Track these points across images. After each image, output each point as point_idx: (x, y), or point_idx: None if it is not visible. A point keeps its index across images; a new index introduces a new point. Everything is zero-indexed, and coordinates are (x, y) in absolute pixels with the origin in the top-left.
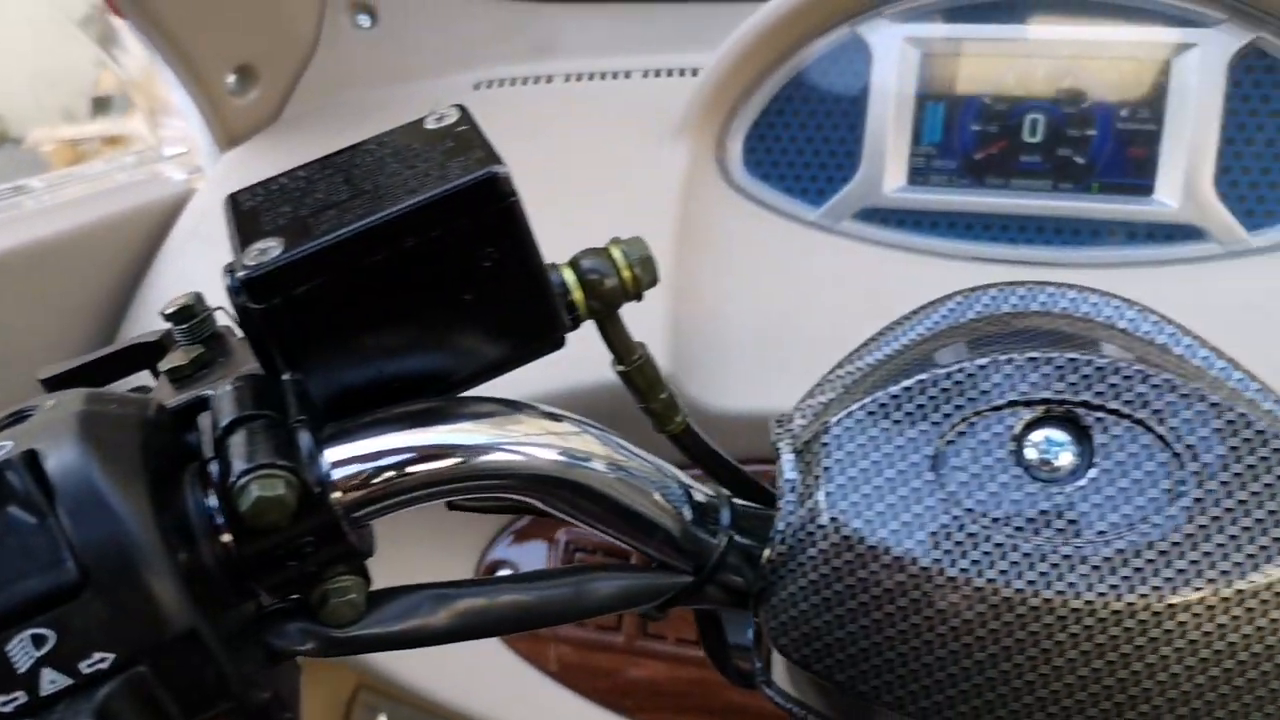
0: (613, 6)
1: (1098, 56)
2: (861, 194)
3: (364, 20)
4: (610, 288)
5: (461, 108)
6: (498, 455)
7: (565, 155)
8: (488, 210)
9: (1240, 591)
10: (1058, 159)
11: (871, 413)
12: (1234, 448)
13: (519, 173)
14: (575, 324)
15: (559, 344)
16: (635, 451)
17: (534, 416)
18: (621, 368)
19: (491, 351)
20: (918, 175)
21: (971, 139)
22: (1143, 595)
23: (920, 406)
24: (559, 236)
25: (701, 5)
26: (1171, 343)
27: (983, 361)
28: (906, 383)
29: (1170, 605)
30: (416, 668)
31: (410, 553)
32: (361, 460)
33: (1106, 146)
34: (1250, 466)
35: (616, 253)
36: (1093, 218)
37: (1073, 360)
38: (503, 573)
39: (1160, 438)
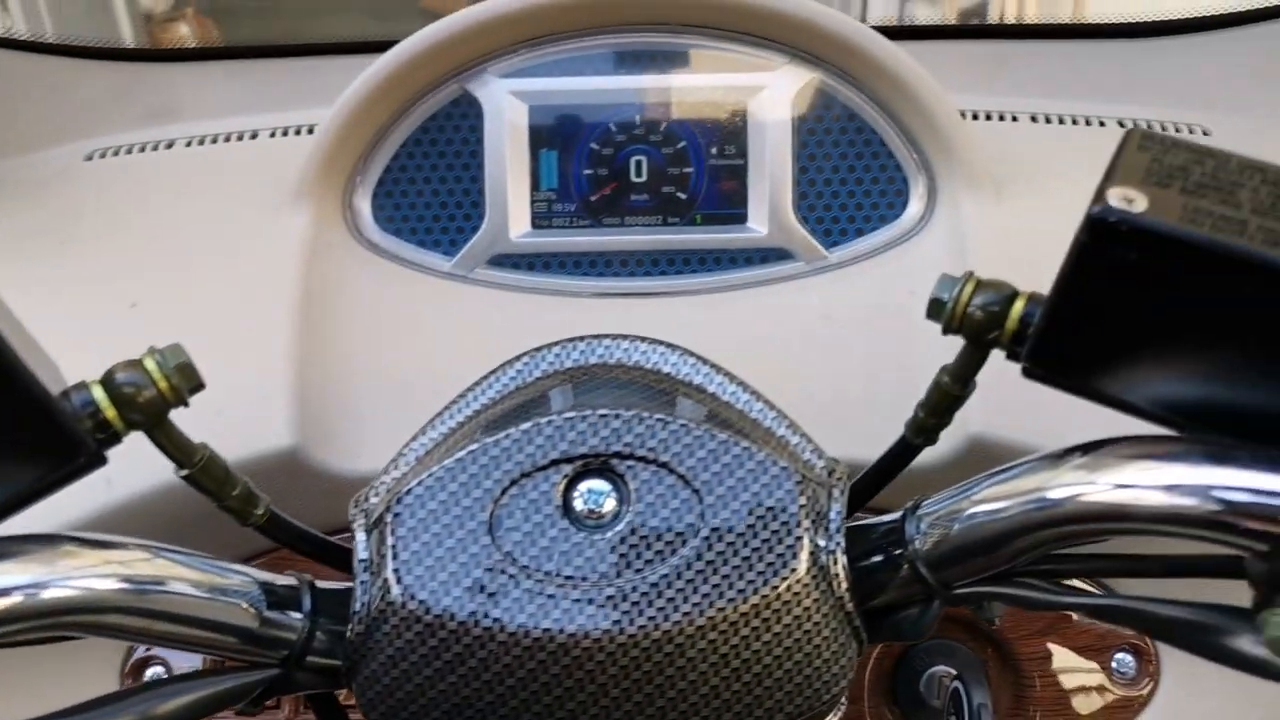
0: (233, 64)
1: (687, 101)
2: (490, 241)
3: None
4: (149, 399)
5: None
6: (54, 592)
7: (183, 225)
8: None
9: (755, 606)
10: (663, 196)
11: (430, 487)
12: (740, 479)
13: (132, 247)
14: (114, 440)
15: (98, 462)
16: (194, 558)
17: (80, 547)
18: (184, 472)
19: (8, 485)
20: (541, 220)
21: (585, 182)
22: (676, 622)
23: (473, 475)
24: (173, 314)
25: (329, 59)
26: (706, 382)
27: (525, 426)
28: (460, 454)
29: (700, 627)
30: None
31: (49, 663)
32: None
33: (703, 182)
34: (755, 494)
35: (150, 363)
36: (698, 248)
37: (604, 416)
38: (154, 669)
39: (681, 477)
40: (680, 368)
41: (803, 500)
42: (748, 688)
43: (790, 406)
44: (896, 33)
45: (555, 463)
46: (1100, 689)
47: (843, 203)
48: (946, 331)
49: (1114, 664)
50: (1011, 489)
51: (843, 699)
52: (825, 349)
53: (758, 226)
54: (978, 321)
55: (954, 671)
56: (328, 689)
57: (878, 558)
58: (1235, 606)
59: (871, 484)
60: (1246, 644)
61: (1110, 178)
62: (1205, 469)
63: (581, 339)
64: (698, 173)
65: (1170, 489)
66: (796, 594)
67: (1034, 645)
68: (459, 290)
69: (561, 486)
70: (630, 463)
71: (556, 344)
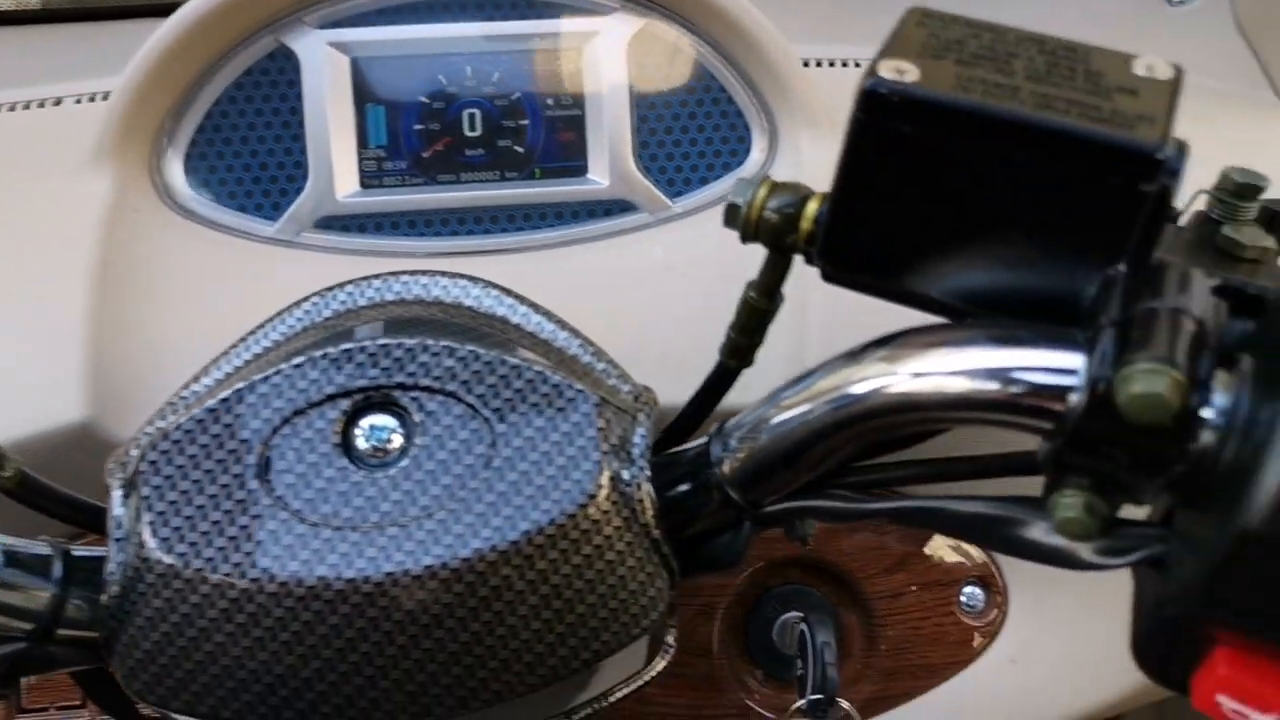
0: (36, 29)
1: (518, 50)
2: (316, 203)
3: None
4: None
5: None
6: None
7: None
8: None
9: (551, 536)
10: (499, 150)
11: (189, 430)
12: (534, 404)
13: None
14: None
15: None
16: None
17: None
18: None
19: None
20: (370, 179)
21: (417, 138)
22: (465, 558)
23: (240, 416)
24: None
25: (147, 22)
26: (509, 313)
27: (298, 361)
28: (225, 394)
29: (492, 562)
30: None
31: None
32: None
33: (540, 134)
34: (549, 419)
35: None
36: (538, 202)
37: (384, 346)
38: None
39: (470, 406)
40: (483, 300)
41: (601, 424)
42: (551, 622)
43: (631, 355)
44: None
45: (331, 398)
46: (951, 622)
47: (684, 151)
48: (745, 239)
49: (962, 597)
50: (812, 393)
51: (669, 640)
52: (668, 298)
53: (598, 178)
54: (774, 225)
55: (803, 615)
56: (88, 664)
57: (686, 485)
58: (1028, 497)
59: (695, 413)
60: (1039, 533)
61: (884, 52)
62: (987, 351)
63: (377, 276)
64: (534, 125)
65: (955, 375)
66: (596, 521)
67: (882, 583)
68: (283, 255)
69: (340, 423)
70: (415, 394)
71: (349, 282)
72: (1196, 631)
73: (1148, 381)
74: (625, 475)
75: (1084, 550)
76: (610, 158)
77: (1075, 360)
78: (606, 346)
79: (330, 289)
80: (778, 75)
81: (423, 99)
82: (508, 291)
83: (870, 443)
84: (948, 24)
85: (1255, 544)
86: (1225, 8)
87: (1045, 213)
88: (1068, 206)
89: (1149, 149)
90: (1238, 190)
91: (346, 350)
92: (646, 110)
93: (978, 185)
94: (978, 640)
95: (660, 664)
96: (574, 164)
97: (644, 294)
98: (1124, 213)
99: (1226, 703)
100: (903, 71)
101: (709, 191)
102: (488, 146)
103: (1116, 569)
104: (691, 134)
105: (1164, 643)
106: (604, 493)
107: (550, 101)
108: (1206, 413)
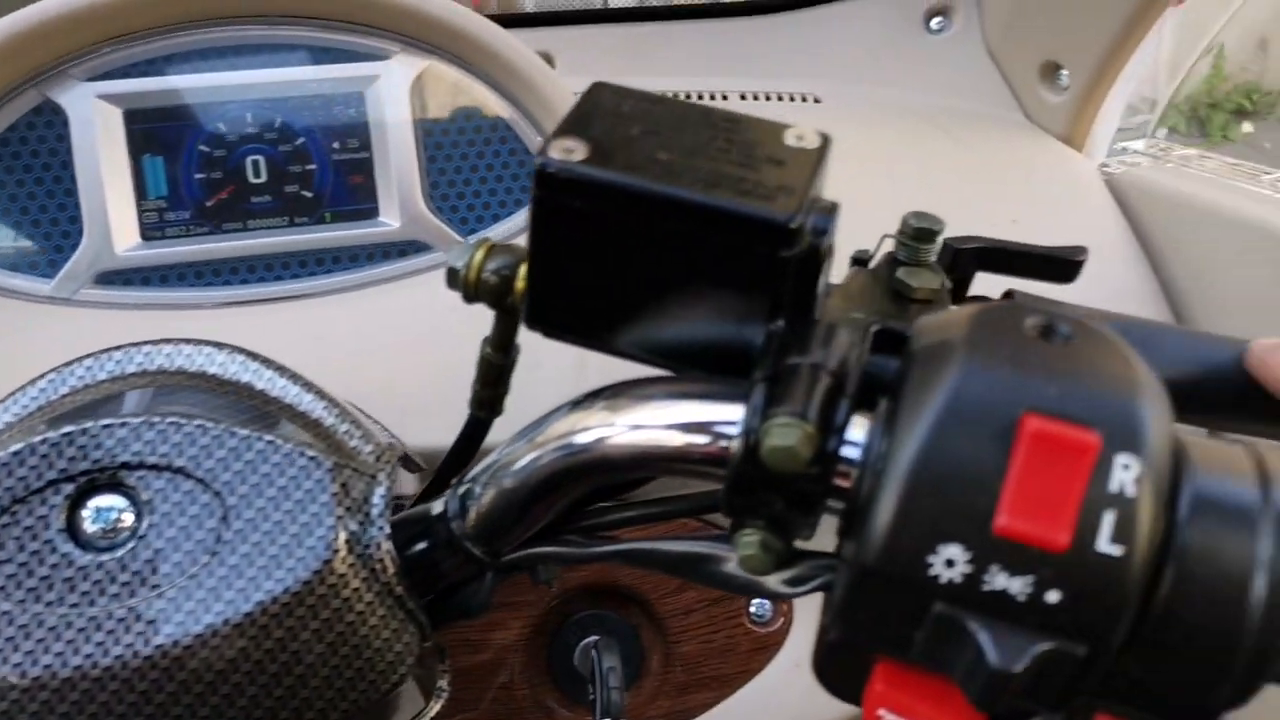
0: None
1: (299, 95)
2: (93, 259)
3: None
4: None
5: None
6: None
7: None
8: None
9: (287, 605)
10: (287, 196)
11: None
12: (265, 474)
13: None
14: None
15: None
16: None
17: None
18: None
19: None
20: (152, 231)
21: (199, 187)
22: (198, 634)
23: None
24: None
25: None
26: (254, 379)
27: (16, 448)
28: None
29: (226, 636)
30: None
31: None
32: None
33: (328, 178)
34: (281, 489)
35: None
36: (329, 246)
37: (107, 426)
38: None
39: (200, 481)
40: (228, 366)
41: (335, 489)
42: (295, 687)
43: (425, 394)
44: (513, 20)
45: (54, 483)
46: (742, 633)
47: (475, 189)
48: (467, 300)
49: (751, 608)
50: (535, 444)
51: (441, 685)
52: (462, 337)
53: (390, 220)
54: (493, 287)
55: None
56: None
57: (427, 541)
58: (723, 534)
59: (454, 464)
60: (733, 567)
61: (559, 129)
62: (664, 407)
63: (119, 348)
64: (321, 169)
65: (638, 429)
66: (334, 585)
67: (673, 602)
68: (61, 313)
69: (64, 508)
70: (141, 473)
71: (88, 356)
72: (859, 652)
73: (782, 435)
74: (364, 536)
75: (772, 581)
76: (400, 199)
77: (738, 413)
78: (401, 388)
79: (69, 364)
80: (554, 112)
81: (202, 147)
82: (253, 356)
83: (600, 486)
84: (623, 98)
85: (871, 577)
86: (978, 35)
87: (710, 277)
88: (726, 272)
89: (781, 220)
90: (916, 234)
91: (68, 434)
92: (434, 150)
93: (649, 253)
94: (767, 649)
95: (435, 707)
96: (364, 206)
97: (439, 332)
98: (773, 276)
99: (888, 716)
100: (571, 150)
101: (501, 228)
102: (274, 192)
103: (798, 597)
104: (481, 172)
105: (834, 662)
106: (341, 556)
107: (337, 145)
108: (849, 452)
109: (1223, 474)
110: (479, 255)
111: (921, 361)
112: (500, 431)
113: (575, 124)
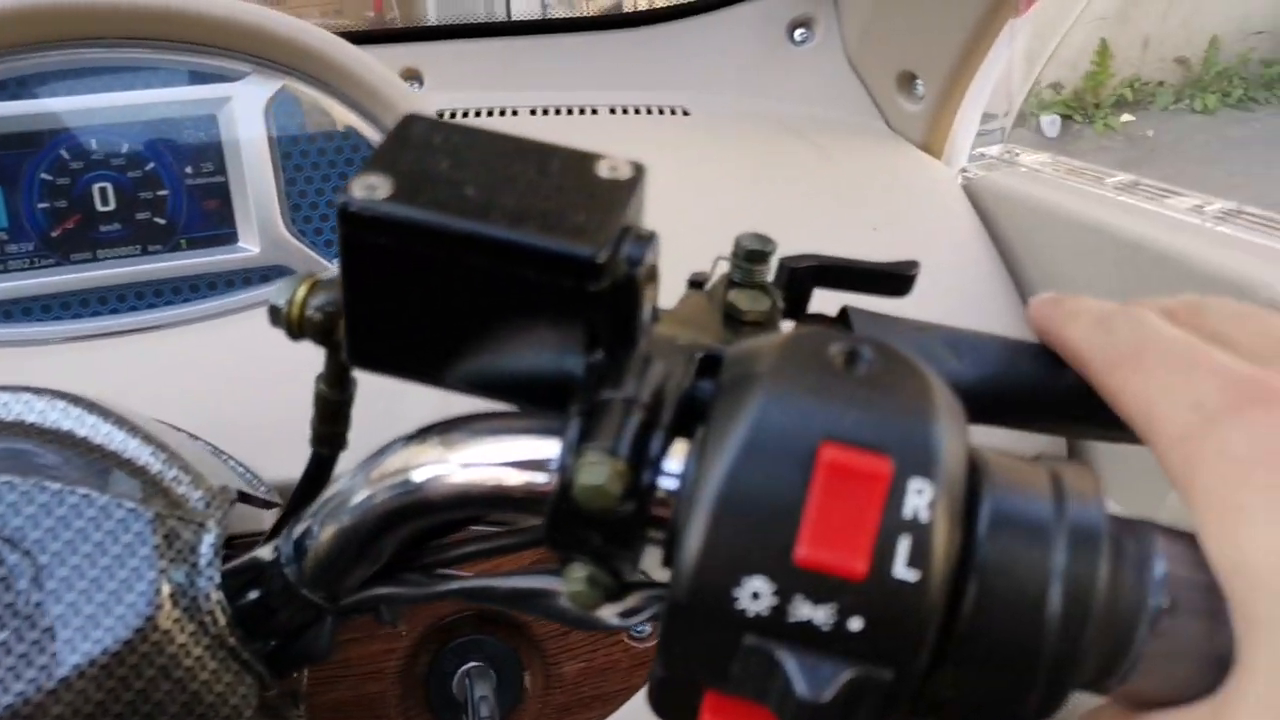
0: None
1: (147, 120)
2: None
3: None
4: None
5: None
6: None
7: None
8: None
9: (109, 665)
10: (138, 223)
11: None
12: (79, 530)
13: None
14: None
15: None
16: None
17: None
18: None
19: None
20: None
21: (42, 217)
22: (9, 704)
23: None
24: None
25: None
26: (76, 426)
27: None
28: None
29: (39, 704)
30: None
31: None
32: None
33: (182, 204)
34: (98, 544)
35: None
36: (186, 274)
37: None
38: None
39: (8, 540)
40: (48, 415)
41: (157, 540)
42: None
43: (277, 431)
44: (382, 37)
45: None
46: (621, 650)
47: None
48: (292, 337)
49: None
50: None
51: None
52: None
53: (249, 245)
54: (317, 324)
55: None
56: None
57: (261, 590)
58: (557, 570)
59: (297, 505)
60: (567, 601)
61: (367, 164)
62: (494, 443)
63: None
64: (175, 194)
65: (467, 466)
66: (158, 642)
67: (550, 624)
68: None
69: None
70: None
71: None
72: (684, 683)
73: (591, 473)
74: (191, 589)
75: (606, 613)
76: (259, 222)
77: (555, 449)
78: (261, 420)
79: None
80: None
81: (44, 175)
82: (76, 401)
83: (434, 525)
84: (435, 131)
85: (682, 610)
86: (839, 46)
87: (525, 312)
88: (539, 307)
89: (585, 255)
90: (748, 255)
91: None
92: (294, 172)
93: (461, 289)
94: (648, 664)
95: None
96: (222, 232)
97: (301, 362)
98: (585, 309)
99: None
100: (374, 187)
101: None
102: (125, 220)
103: (631, 629)
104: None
105: (665, 694)
106: (165, 611)
107: (190, 169)
108: (667, 483)
109: (1020, 490)
110: (301, 292)
111: (728, 391)
112: (349, 464)
113: (383, 159)
